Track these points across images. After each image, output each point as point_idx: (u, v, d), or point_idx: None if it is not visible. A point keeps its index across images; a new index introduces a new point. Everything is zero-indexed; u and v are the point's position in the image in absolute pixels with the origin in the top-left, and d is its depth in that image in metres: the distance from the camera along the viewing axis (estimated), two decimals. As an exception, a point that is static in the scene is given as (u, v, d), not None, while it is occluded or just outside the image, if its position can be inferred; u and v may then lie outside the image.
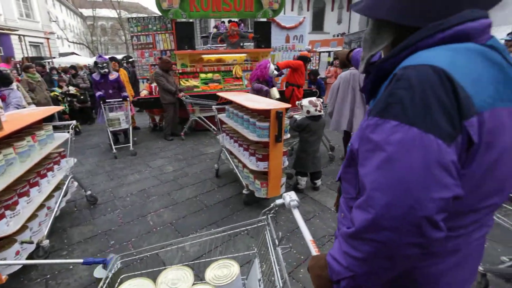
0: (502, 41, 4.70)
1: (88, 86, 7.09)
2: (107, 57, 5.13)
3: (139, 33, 6.32)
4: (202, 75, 6.27)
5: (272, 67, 4.22)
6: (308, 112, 2.91)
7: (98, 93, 4.56)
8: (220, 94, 3.44)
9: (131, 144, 4.63)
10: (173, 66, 5.47)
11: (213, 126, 5.50)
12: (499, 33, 6.05)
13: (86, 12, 32.00)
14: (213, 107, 3.42)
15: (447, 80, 0.49)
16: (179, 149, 4.91)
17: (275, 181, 2.59)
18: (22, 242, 1.87)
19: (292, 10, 19.23)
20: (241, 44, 6.50)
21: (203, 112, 5.40)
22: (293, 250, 2.22)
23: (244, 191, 2.88)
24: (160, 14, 5.92)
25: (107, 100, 4.54)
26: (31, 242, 1.91)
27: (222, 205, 2.95)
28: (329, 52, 14.98)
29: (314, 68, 6.77)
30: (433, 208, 0.49)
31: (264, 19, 6.24)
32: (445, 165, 0.49)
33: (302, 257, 2.15)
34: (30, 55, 13.83)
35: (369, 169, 0.55)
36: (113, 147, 4.49)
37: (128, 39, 21.48)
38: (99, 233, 2.48)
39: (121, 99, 4.66)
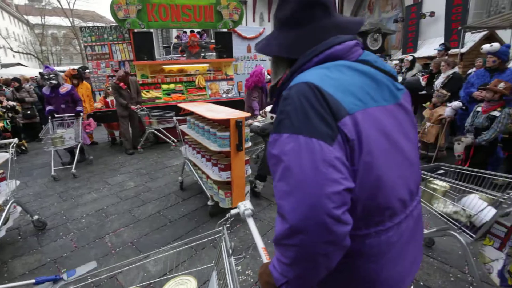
0: (435, 51, 5.31)
1: (36, 99, 6.51)
2: (57, 68, 4.77)
3: (94, 43, 6.00)
4: (164, 86, 6.13)
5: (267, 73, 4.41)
6: (272, 118, 3.01)
7: (48, 108, 4.21)
8: (181, 105, 3.38)
9: (73, 166, 4.09)
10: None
11: (172, 138, 5.38)
12: (435, 44, 6.84)
13: (34, 19, 29.55)
14: (174, 118, 3.35)
15: (317, 91, 0.60)
16: (141, 163, 4.70)
17: (238, 190, 2.60)
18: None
19: (254, 21, 19.77)
20: (203, 54, 6.50)
21: (162, 123, 5.26)
22: (260, 258, 2.23)
23: (209, 203, 2.84)
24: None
25: (57, 116, 4.17)
26: None
27: (187, 218, 2.87)
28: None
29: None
30: (330, 204, 0.54)
31: (225, 30, 6.33)
32: (331, 162, 0.55)
33: (268, 264, 2.17)
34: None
35: (276, 181, 0.61)
36: (53, 168, 3.99)
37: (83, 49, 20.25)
38: (47, 262, 2.25)
39: (73, 114, 4.30)
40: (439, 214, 1.84)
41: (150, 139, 5.88)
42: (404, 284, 0.76)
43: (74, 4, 24.95)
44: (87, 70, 6.80)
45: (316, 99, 0.59)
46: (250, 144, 2.71)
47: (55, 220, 2.88)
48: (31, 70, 14.56)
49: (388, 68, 0.77)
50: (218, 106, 3.16)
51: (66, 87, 4.31)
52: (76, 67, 11.11)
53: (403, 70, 5.75)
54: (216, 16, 6.03)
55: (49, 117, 4.13)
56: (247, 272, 2.09)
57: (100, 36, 5.96)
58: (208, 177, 2.82)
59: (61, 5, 23.15)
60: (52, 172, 3.99)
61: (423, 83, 4.78)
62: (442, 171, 1.83)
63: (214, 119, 2.48)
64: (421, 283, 1.87)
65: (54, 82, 4.13)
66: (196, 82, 6.36)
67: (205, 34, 10.25)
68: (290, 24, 0.75)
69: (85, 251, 2.39)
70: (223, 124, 2.60)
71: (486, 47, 3.54)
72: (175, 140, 5.42)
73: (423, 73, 5.11)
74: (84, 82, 5.52)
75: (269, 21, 20.19)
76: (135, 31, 5.58)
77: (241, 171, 2.54)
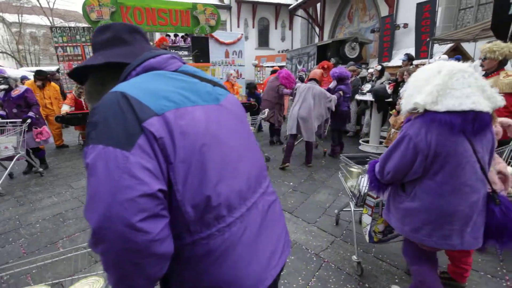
0: (400, 61, 5.58)
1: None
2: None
3: (65, 44, 5.89)
4: (139, 89, 6.08)
5: None
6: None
7: None
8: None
9: (3, 177, 3.59)
10: None
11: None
12: (401, 55, 7.19)
13: (11, 17, 28.42)
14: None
15: (122, 97, 0.61)
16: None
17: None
18: None
19: (238, 26, 19.92)
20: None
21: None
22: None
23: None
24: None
25: (7, 121, 3.73)
26: None
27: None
28: (272, 66, 15.82)
29: (251, 81, 7.08)
30: (123, 212, 0.53)
31: (202, 35, 6.38)
32: (124, 169, 0.55)
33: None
34: None
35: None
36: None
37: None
38: (-8, 268, 2.17)
39: (17, 120, 3.77)
40: (348, 187, 2.33)
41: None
42: (267, 279, 0.75)
43: (54, 3, 24.11)
44: (60, 71, 6.63)
45: (119, 105, 0.60)
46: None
47: (6, 226, 2.78)
48: (6, 70, 13.94)
49: (209, 77, 0.85)
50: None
51: (18, 90, 3.95)
52: (55, 68, 10.80)
53: (373, 78, 5.99)
54: (192, 20, 6.09)
55: None
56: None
57: (73, 37, 5.86)
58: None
59: (40, 4, 22.43)
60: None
61: (389, 91, 5.01)
62: (368, 159, 2.19)
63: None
64: (367, 285, 1.95)
65: (4, 86, 3.82)
66: (173, 86, 6.35)
67: (188, 39, 10.27)
68: (115, 43, 0.80)
69: (34, 256, 2.32)
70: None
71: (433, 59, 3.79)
72: None
73: (390, 81, 5.36)
74: (52, 83, 5.36)
75: (253, 27, 20.49)
76: (109, 33, 5.52)
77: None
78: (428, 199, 1.30)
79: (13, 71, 13.27)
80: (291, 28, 21.03)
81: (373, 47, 11.51)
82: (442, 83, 1.21)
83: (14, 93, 3.90)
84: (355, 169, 2.32)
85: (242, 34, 7.83)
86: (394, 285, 1.92)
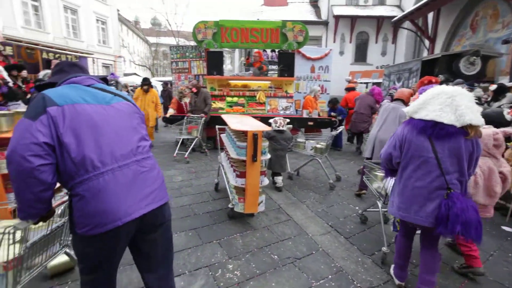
0: None
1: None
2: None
3: (178, 59, 7.24)
4: (228, 99, 6.83)
5: None
6: (288, 127, 4.00)
7: None
8: (222, 116, 3.81)
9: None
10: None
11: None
12: None
13: (152, 39, 36.77)
14: (217, 127, 3.79)
15: (42, 96, 1.17)
16: (195, 163, 5.35)
17: (251, 198, 2.76)
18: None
19: (334, 41, 19.57)
20: (263, 71, 6.96)
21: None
22: (253, 265, 2.32)
23: (229, 205, 3.09)
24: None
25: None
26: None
27: (208, 215, 3.19)
28: (367, 83, 14.81)
29: (336, 96, 6.89)
30: (21, 150, 1.06)
31: (289, 50, 6.66)
32: (28, 129, 1.09)
33: (259, 272, 2.25)
34: (100, 74, 16.39)
35: None
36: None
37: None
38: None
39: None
40: (374, 189, 2.74)
41: (210, 145, 6.59)
42: (133, 214, 1.21)
43: (181, 27, 29.86)
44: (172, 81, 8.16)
45: (41, 100, 1.16)
46: (268, 156, 2.86)
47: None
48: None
49: (113, 91, 1.40)
50: (254, 120, 3.43)
51: None
52: (171, 78, 13.42)
53: (488, 100, 4.87)
54: (281, 37, 6.45)
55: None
56: (235, 272, 2.22)
57: (183, 54, 7.16)
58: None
59: (171, 29, 28.14)
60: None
61: (508, 117, 3.97)
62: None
63: (235, 130, 2.76)
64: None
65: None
66: (257, 98, 6.84)
67: (274, 52, 10.89)
68: (58, 72, 1.40)
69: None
70: (245, 135, 2.85)
71: None
72: (204, 149, 5.98)
73: (511, 105, 4.24)
74: (152, 89, 6.64)
75: (350, 42, 19.75)
76: (210, 50, 6.49)
77: (255, 180, 2.72)
78: (404, 183, 1.84)
79: (126, 78, 17.11)
80: (394, 41, 19.21)
81: (506, 62, 9.26)
82: (423, 101, 1.76)
83: None
84: (380, 173, 2.69)
85: (330, 50, 7.74)
86: None
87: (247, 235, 2.79)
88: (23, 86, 5.88)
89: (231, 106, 6.70)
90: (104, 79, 1.49)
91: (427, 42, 14.09)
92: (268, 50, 8.56)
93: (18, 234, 1.36)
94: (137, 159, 1.30)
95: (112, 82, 5.09)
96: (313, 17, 19.30)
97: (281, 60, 6.61)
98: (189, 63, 7.19)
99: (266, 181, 2.91)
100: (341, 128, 4.64)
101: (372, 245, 2.65)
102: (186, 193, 3.85)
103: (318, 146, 4.27)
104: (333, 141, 5.32)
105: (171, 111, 6.41)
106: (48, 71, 5.99)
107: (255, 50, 7.33)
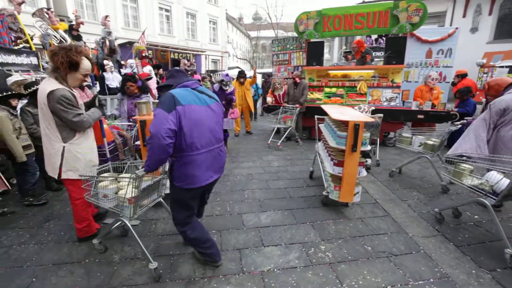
0: None
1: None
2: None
3: (279, 52, 7.61)
4: (327, 89, 6.76)
5: None
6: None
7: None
8: (322, 106, 3.87)
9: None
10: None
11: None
12: None
13: (253, 34, 39.28)
14: (316, 117, 3.91)
15: (171, 96, 1.79)
16: (290, 151, 5.66)
17: (348, 187, 2.79)
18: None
19: (464, 16, 15.93)
20: (366, 61, 6.46)
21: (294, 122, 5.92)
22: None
23: (324, 193, 3.21)
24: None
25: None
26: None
27: (303, 200, 3.41)
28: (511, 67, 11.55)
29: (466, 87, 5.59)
30: (162, 132, 1.69)
31: (400, 34, 5.97)
32: (166, 118, 1.71)
33: (352, 258, 2.31)
34: (210, 69, 18.94)
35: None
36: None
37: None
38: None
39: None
40: (468, 186, 2.52)
41: (305, 135, 6.77)
42: (208, 180, 1.96)
43: (280, 19, 30.56)
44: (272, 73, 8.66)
45: (171, 98, 1.78)
46: (368, 147, 2.79)
47: (225, 172, 4.33)
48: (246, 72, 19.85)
49: (209, 93, 2.03)
50: (354, 110, 3.37)
51: (231, 88, 5.34)
52: (271, 70, 14.19)
53: None
54: (391, 20, 5.84)
55: None
56: (327, 253, 2.36)
57: (284, 46, 7.46)
58: (326, 169, 3.18)
59: (271, 22, 29.19)
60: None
61: None
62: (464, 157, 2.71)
63: (336, 119, 2.80)
64: None
65: (228, 88, 5.35)
66: (358, 88, 6.50)
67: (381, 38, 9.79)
68: (171, 76, 2.02)
69: (230, 195, 3.54)
70: (345, 125, 2.86)
71: None
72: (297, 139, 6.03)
73: None
74: (247, 79, 6.98)
75: (489, 13, 15.58)
76: (311, 41, 6.54)
77: (353, 170, 2.73)
78: None
79: (249, 73, 18.67)
80: None
81: None
82: None
83: (228, 90, 5.41)
84: (468, 165, 2.61)
85: (456, 28, 6.42)
86: None
87: (340, 222, 2.87)
88: (160, 81, 7.57)
89: (329, 97, 6.62)
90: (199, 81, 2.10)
91: None
92: (372, 36, 7.88)
93: (136, 182, 1.98)
94: (218, 146, 2.01)
95: (228, 82, 5.67)
96: (434, -10, 16.18)
97: (389, 45, 6.00)
98: (289, 55, 7.46)
99: (364, 173, 2.87)
100: (463, 122, 3.93)
101: (494, 261, 2.27)
102: (283, 177, 4.19)
103: (429, 142, 3.78)
104: (451, 138, 4.55)
105: (269, 100, 6.87)
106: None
107: (355, 40, 6.86)
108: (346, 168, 2.74)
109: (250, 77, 7.34)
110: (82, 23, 7.11)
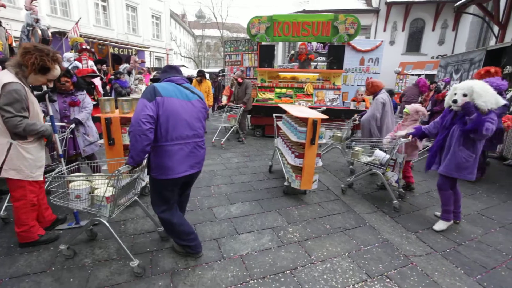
0: None
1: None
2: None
3: (231, 53, 7.82)
4: (277, 90, 7.24)
5: None
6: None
7: None
8: (281, 105, 4.25)
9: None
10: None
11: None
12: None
13: (197, 32, 38.47)
14: (274, 115, 4.25)
15: (153, 87, 1.91)
16: (247, 148, 5.94)
17: (307, 176, 3.20)
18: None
19: (384, 31, 18.60)
20: (314, 64, 7.15)
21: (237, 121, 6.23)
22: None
23: (285, 183, 3.56)
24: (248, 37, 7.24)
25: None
26: (143, 180, 3.11)
27: (266, 191, 3.71)
28: (419, 75, 13.99)
29: (389, 89, 6.78)
30: (142, 118, 1.80)
31: (339, 43, 6.79)
32: (146, 106, 1.83)
33: (315, 236, 2.69)
34: (154, 66, 17.99)
35: None
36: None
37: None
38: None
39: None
40: (365, 163, 3.44)
41: (259, 133, 7.12)
42: (183, 173, 2.00)
43: (225, 19, 30.67)
44: (223, 73, 8.82)
45: (153, 89, 1.89)
46: (324, 141, 3.25)
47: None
48: (190, 70, 19.43)
49: (193, 90, 2.10)
50: (309, 109, 3.81)
51: None
52: (218, 69, 14.23)
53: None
54: (332, 30, 6.61)
55: None
56: (295, 234, 2.70)
57: (237, 47, 7.71)
58: (287, 162, 3.54)
59: (216, 21, 29.12)
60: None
61: None
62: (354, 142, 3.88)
63: (297, 117, 3.17)
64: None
65: None
66: (305, 89, 7.14)
67: (325, 45, 10.88)
68: (164, 71, 2.14)
69: (196, 191, 3.62)
70: (304, 121, 3.26)
71: None
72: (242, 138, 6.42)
73: None
74: (205, 80, 7.14)
75: (403, 30, 18.57)
76: (262, 44, 6.92)
77: (311, 161, 3.13)
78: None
79: (190, 71, 18.33)
80: (455, 28, 17.59)
81: None
82: None
83: None
84: (359, 149, 3.55)
85: (382, 41, 7.63)
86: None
87: (301, 208, 3.25)
88: (104, 77, 7.01)
89: (279, 97, 7.11)
90: (189, 79, 2.18)
91: (496, 29, 12.72)
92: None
93: (114, 181, 1.96)
94: (195, 140, 2.06)
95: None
96: (362, 5, 18.53)
97: (331, 52, 6.78)
98: (242, 56, 7.74)
99: (320, 163, 3.31)
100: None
101: (417, 225, 2.92)
102: (244, 172, 4.42)
103: (338, 134, 4.56)
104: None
105: (224, 99, 7.01)
106: (127, 65, 7.02)
107: (300, 43, 7.53)
108: (306, 159, 3.13)
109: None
110: (3, 5, 6.12)
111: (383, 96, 3.98)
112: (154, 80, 2.18)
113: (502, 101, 2.44)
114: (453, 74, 10.27)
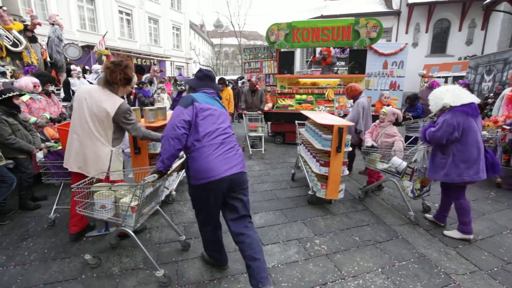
0: None
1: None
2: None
3: (250, 60, 7.87)
4: (297, 96, 7.16)
5: None
6: None
7: None
8: (303, 111, 4.17)
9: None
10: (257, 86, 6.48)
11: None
12: None
13: (215, 41, 39.38)
14: (296, 122, 4.18)
15: (190, 96, 1.98)
16: (268, 156, 5.88)
17: (333, 185, 3.07)
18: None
19: (406, 33, 18.02)
20: (336, 69, 7.03)
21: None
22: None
23: (309, 192, 3.46)
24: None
25: None
26: (167, 188, 3.13)
27: (290, 200, 3.61)
28: (446, 77, 13.35)
29: (413, 93, 6.49)
30: (178, 123, 1.85)
31: (361, 47, 6.63)
32: (182, 112, 1.88)
33: (344, 248, 2.56)
34: (174, 75, 18.57)
35: None
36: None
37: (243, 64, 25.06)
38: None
39: None
40: (381, 170, 3.35)
41: (279, 140, 7.05)
42: (223, 174, 1.84)
43: (242, 27, 31.15)
44: (242, 80, 8.88)
45: (188, 98, 1.96)
46: (350, 148, 3.12)
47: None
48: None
49: (221, 103, 2.13)
50: (333, 116, 3.70)
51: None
52: (236, 77, 14.37)
53: None
54: (353, 34, 6.47)
55: None
56: (322, 246, 2.58)
57: (256, 55, 7.75)
58: (311, 170, 3.44)
59: (234, 30, 29.64)
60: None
61: None
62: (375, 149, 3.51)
63: (322, 124, 3.08)
64: None
65: (183, 88, 5.69)
66: (326, 95, 7.01)
67: (347, 49, 10.70)
68: (198, 78, 2.17)
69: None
70: (329, 129, 3.16)
71: None
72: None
73: None
74: (226, 88, 7.25)
75: (426, 31, 17.90)
76: (281, 50, 6.91)
77: (337, 169, 3.01)
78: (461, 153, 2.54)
79: None
80: (484, 28, 16.70)
81: None
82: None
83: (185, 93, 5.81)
84: (377, 155, 3.39)
85: (406, 44, 7.37)
86: None
87: (327, 218, 3.12)
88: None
89: (300, 103, 7.02)
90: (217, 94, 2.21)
91: (529, 27, 11.89)
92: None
93: (139, 192, 1.97)
94: (231, 142, 2.02)
95: (183, 82, 5.88)
96: (382, 8, 18.12)
97: (352, 57, 6.63)
98: (261, 63, 7.76)
99: (346, 172, 3.18)
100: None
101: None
102: (266, 180, 4.36)
103: None
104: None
105: (269, 105, 6.85)
106: (148, 75, 7.27)
107: (320, 48, 7.44)
108: (332, 168, 3.02)
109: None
110: (39, 23, 6.58)
111: (363, 100, 4.26)
112: (188, 83, 2.27)
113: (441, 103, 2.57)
114: (484, 75, 9.69)
